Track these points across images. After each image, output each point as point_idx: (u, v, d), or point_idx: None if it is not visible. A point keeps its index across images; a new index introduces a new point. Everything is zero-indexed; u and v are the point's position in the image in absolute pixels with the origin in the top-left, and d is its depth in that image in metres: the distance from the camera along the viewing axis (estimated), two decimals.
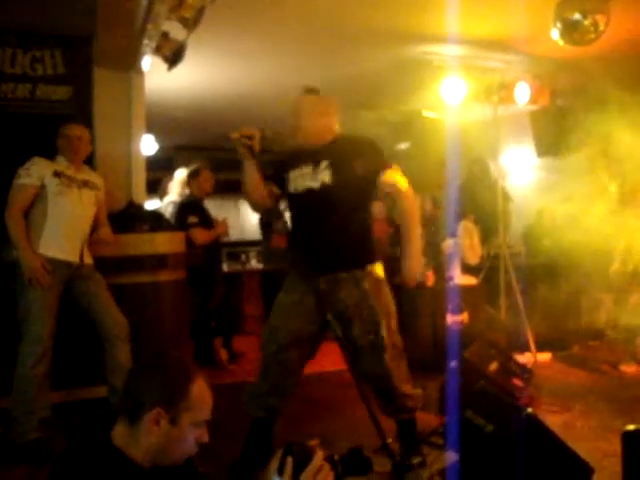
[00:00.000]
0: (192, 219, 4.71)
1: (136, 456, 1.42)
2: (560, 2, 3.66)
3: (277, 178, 2.86)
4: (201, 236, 4.69)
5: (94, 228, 3.49)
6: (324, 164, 2.69)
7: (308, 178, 2.71)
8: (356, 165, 2.69)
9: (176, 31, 3.63)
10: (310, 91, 2.83)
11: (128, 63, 4.24)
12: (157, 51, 3.83)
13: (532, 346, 4.86)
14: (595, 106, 5.74)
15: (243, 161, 2.74)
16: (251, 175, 2.76)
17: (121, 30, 3.69)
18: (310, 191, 2.70)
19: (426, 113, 5.95)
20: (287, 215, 3.16)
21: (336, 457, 1.44)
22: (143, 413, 1.40)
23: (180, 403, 1.42)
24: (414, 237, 2.76)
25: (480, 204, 5.66)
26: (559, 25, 3.70)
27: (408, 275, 2.75)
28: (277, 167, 2.92)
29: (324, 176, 2.67)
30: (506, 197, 5.74)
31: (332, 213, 2.67)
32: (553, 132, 6.30)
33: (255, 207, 2.97)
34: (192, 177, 5.01)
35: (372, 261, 2.77)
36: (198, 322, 4.70)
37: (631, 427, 2.08)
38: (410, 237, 2.75)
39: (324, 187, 2.67)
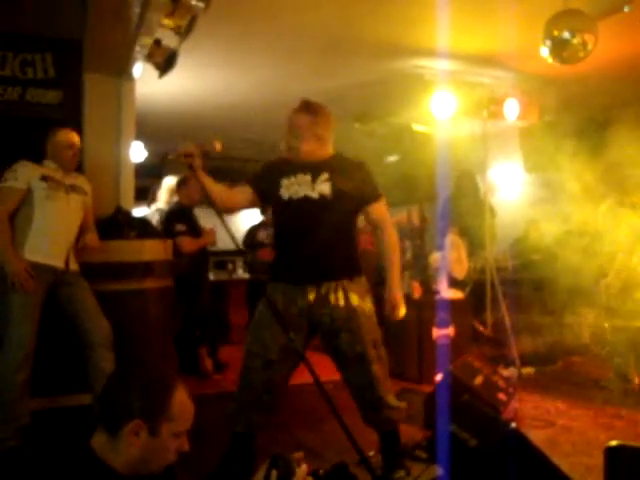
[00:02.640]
0: (179, 227, 4.68)
1: (116, 465, 1.40)
2: (550, 20, 3.70)
3: (260, 183, 2.84)
4: (188, 244, 4.67)
5: (80, 233, 3.47)
6: (324, 176, 2.71)
7: (306, 187, 2.71)
8: (352, 186, 2.74)
9: (168, 39, 3.63)
10: (307, 106, 2.79)
11: (119, 69, 4.23)
12: (149, 58, 3.82)
13: (517, 360, 4.88)
14: (583, 123, 5.82)
15: (188, 178, 2.76)
16: (204, 188, 2.76)
17: (112, 36, 3.69)
18: (307, 199, 2.70)
19: (416, 127, 5.99)
20: (272, 223, 3.09)
21: (321, 472, 1.43)
22: (122, 424, 1.38)
23: (160, 415, 1.41)
24: (397, 270, 2.87)
25: (466, 218, 5.69)
26: (548, 43, 3.75)
27: (392, 307, 2.80)
28: (265, 173, 2.88)
29: (324, 188, 2.69)
30: (492, 212, 5.78)
31: (327, 223, 2.69)
32: (541, 148, 6.36)
33: (225, 212, 2.91)
34: (181, 185, 4.99)
35: (359, 274, 2.80)
36: (184, 331, 4.67)
37: (614, 443, 2.09)
38: (393, 270, 2.84)
39: (323, 198, 2.69)
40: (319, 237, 2.68)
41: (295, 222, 2.77)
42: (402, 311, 2.81)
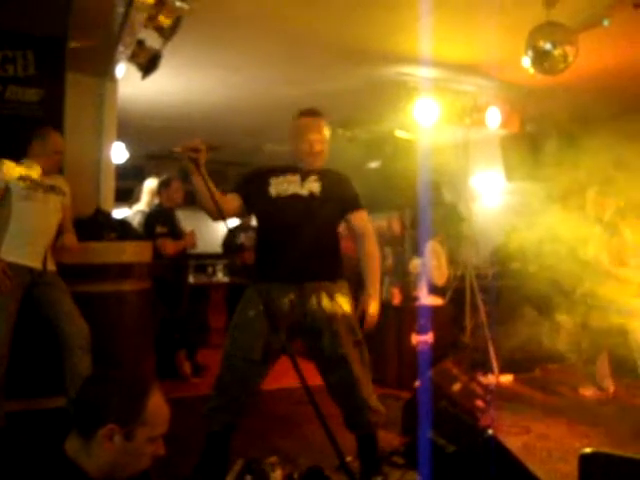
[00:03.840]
0: (160, 229, 4.65)
1: (90, 469, 1.38)
2: (532, 32, 3.75)
3: (246, 188, 2.85)
4: (169, 247, 4.64)
5: (58, 234, 3.43)
6: (313, 177, 2.79)
7: (295, 185, 2.77)
8: (338, 190, 2.81)
9: (152, 39, 3.61)
10: (314, 113, 2.91)
11: (102, 69, 4.20)
12: (132, 58, 3.81)
13: (495, 367, 4.91)
14: (563, 133, 5.89)
15: (190, 174, 2.71)
16: (200, 187, 2.68)
17: (95, 35, 3.66)
18: (296, 196, 2.75)
19: (398, 133, 6.02)
20: (256, 224, 3.08)
21: (295, 476, 1.42)
22: (97, 428, 1.37)
23: (136, 419, 1.39)
24: (376, 280, 2.84)
25: (441, 226, 5.73)
26: (530, 54, 3.79)
27: (371, 318, 2.78)
28: (251, 177, 2.91)
29: (313, 186, 2.76)
30: (459, 218, 5.84)
31: (314, 222, 2.72)
32: (522, 157, 6.43)
33: (211, 217, 2.85)
34: (162, 187, 4.96)
35: (342, 277, 2.83)
36: (162, 334, 4.63)
37: (588, 450, 2.11)
38: (373, 280, 2.82)
39: (312, 195, 2.75)
40: (305, 236, 2.70)
41: (282, 219, 2.77)
42: (374, 320, 2.80)
